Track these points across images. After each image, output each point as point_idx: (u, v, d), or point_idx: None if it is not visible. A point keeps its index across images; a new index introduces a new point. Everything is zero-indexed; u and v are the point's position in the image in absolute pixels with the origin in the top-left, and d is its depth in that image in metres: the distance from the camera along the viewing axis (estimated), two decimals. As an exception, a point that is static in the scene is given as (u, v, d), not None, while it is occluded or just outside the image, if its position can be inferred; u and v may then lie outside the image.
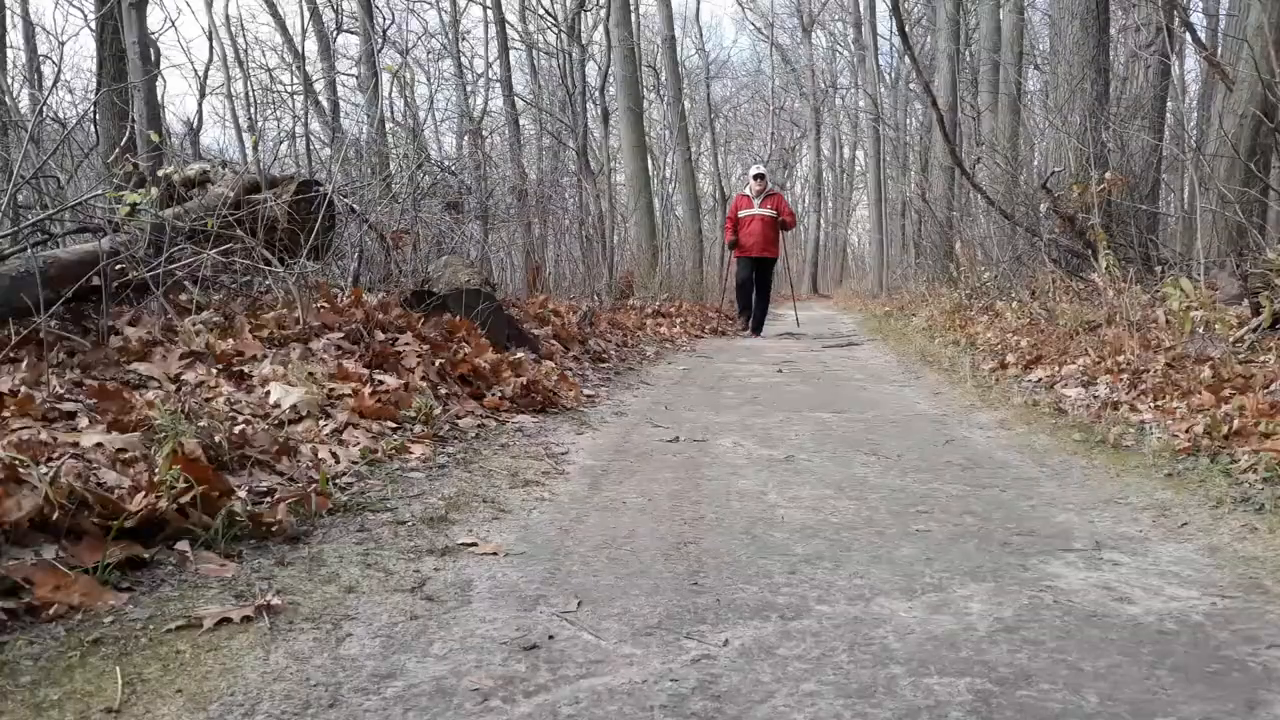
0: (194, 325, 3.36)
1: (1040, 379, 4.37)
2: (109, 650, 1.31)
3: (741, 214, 9.49)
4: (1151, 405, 3.33)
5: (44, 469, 1.75)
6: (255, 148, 5.66)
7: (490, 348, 4.24)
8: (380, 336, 3.74)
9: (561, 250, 10.39)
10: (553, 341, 5.64)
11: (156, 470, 1.88)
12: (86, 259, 3.25)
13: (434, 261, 5.47)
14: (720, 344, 8.38)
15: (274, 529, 1.86)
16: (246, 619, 1.43)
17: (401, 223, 5.76)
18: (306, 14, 14.70)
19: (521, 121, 16.00)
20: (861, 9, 26.25)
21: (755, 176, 9.71)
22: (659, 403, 4.26)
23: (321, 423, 2.76)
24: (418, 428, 3.00)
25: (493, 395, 3.67)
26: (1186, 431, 2.84)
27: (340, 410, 2.89)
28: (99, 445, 2.07)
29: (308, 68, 13.35)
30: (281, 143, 7.20)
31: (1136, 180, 6.78)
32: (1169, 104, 9.12)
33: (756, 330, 9.51)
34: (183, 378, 2.98)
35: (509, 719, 1.17)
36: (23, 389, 2.49)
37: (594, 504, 2.32)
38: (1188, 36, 6.64)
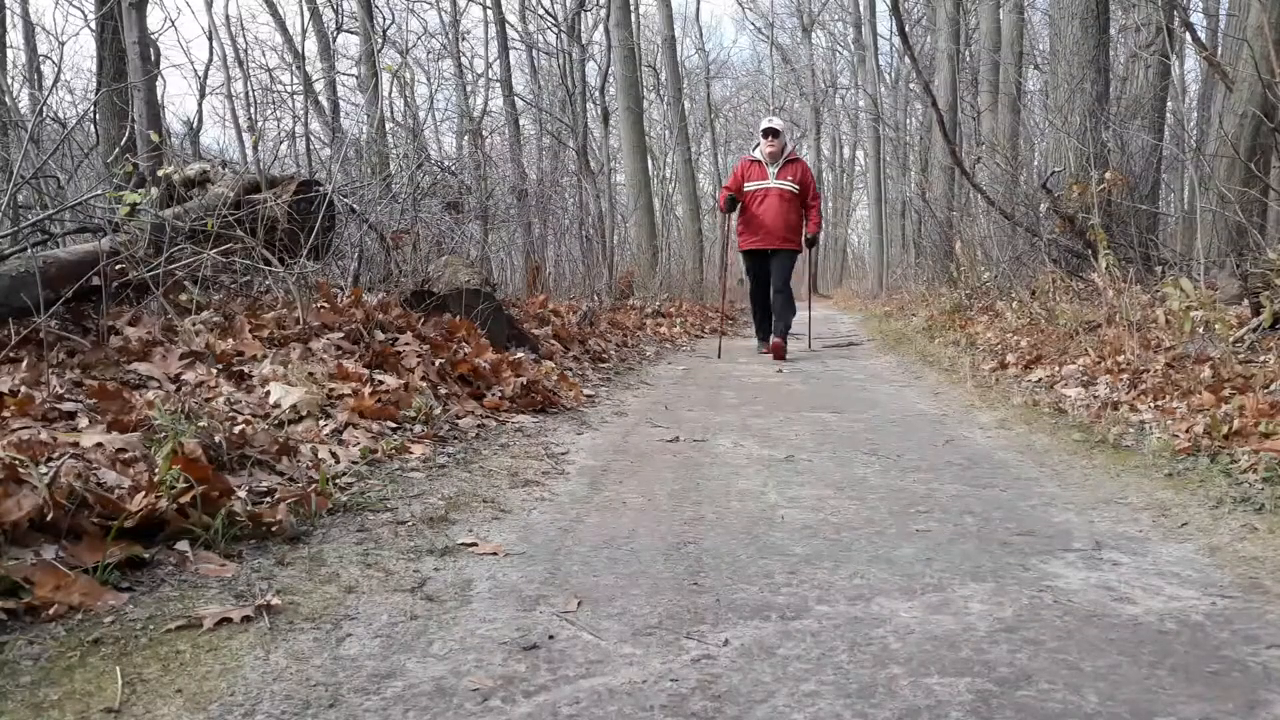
0: (194, 325, 3.36)
1: (1040, 379, 4.37)
2: (109, 650, 1.31)
3: (749, 187, 6.70)
4: (1151, 405, 3.33)
5: (44, 469, 1.75)
6: (255, 148, 5.65)
7: (490, 348, 4.24)
8: (380, 336, 3.74)
9: (561, 250, 10.39)
10: (553, 341, 5.64)
11: (156, 470, 1.88)
12: (86, 259, 3.25)
13: (434, 261, 5.47)
14: (720, 344, 8.37)
15: (274, 529, 1.86)
16: (246, 619, 1.43)
17: (401, 223, 5.76)
18: (306, 14, 14.70)
19: (521, 121, 16.01)
20: (861, 9, 26.25)
21: (767, 133, 6.74)
22: (659, 402, 4.26)
23: (321, 423, 2.76)
24: (418, 428, 3.00)
25: (493, 395, 3.67)
26: (1186, 431, 2.84)
27: (340, 410, 2.89)
28: (99, 445, 2.07)
29: (308, 68, 13.35)
30: (281, 143, 7.19)
31: (1136, 180, 6.79)
32: (1169, 104, 9.12)
33: (781, 336, 6.64)
34: (183, 378, 2.98)
35: (509, 719, 1.17)
36: (23, 389, 2.49)
37: (594, 504, 2.32)
38: (1188, 36, 6.64)
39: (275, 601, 1.50)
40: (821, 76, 31.59)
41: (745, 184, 6.79)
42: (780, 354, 6.49)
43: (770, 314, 6.89)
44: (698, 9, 38.63)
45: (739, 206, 6.92)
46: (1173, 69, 8.46)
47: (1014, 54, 13.07)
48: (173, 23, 24.75)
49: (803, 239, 6.92)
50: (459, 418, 3.29)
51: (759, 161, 6.82)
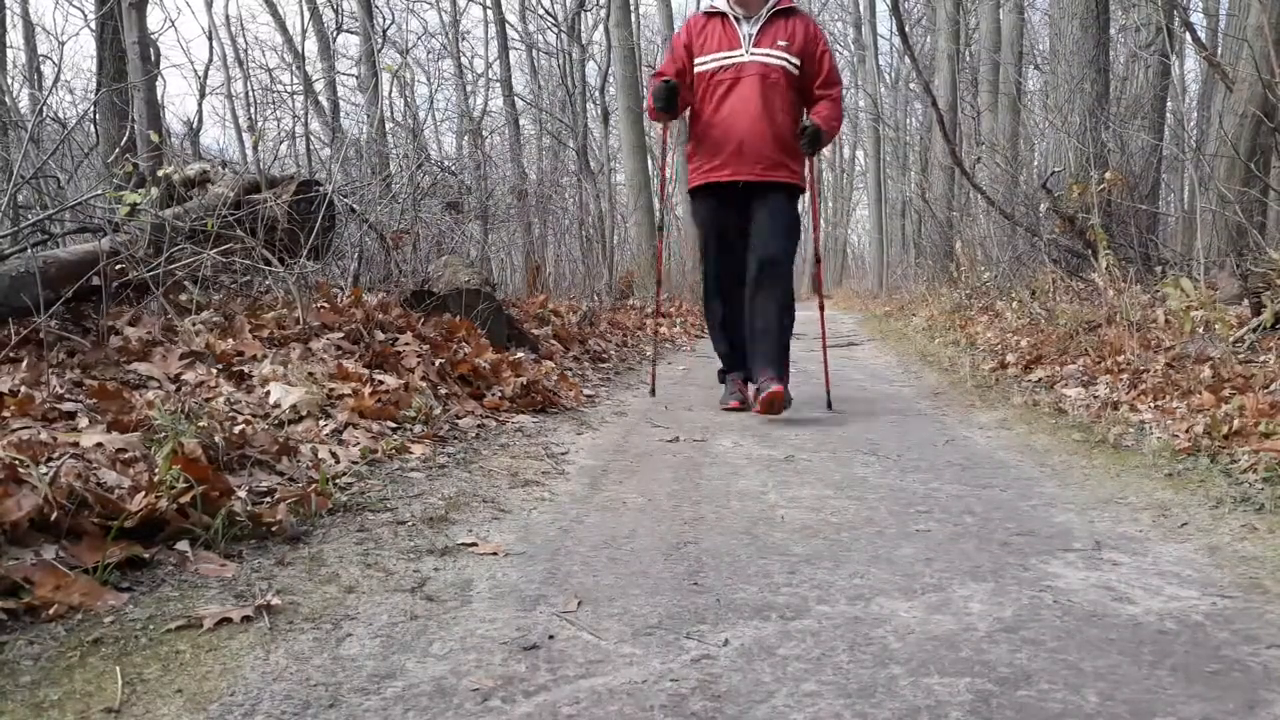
0: (194, 325, 3.36)
1: (1040, 379, 4.37)
2: (109, 650, 1.31)
3: (704, 64, 3.75)
4: (1151, 405, 3.33)
5: (44, 469, 1.75)
6: (255, 148, 5.65)
7: (490, 348, 4.24)
8: (380, 336, 3.74)
9: (561, 250, 10.39)
10: (553, 341, 5.64)
11: (156, 470, 1.88)
12: (86, 259, 3.25)
13: (434, 261, 5.47)
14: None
15: (274, 529, 1.86)
16: (246, 619, 1.43)
17: (401, 223, 5.77)
18: (306, 14, 14.71)
19: (521, 121, 16.02)
20: (861, 9, 26.27)
21: None
22: (659, 402, 4.26)
23: (321, 423, 2.76)
24: (418, 428, 3.00)
25: (493, 395, 3.67)
26: (1186, 431, 2.84)
27: (340, 410, 2.89)
28: (99, 445, 2.07)
29: (308, 68, 13.35)
30: (281, 143, 7.19)
31: (1136, 180, 6.79)
32: (1169, 104, 9.12)
33: (777, 375, 3.67)
34: (183, 378, 2.98)
35: (509, 719, 1.17)
36: (23, 389, 2.49)
37: (594, 504, 2.32)
38: (1188, 36, 6.64)
39: (275, 601, 1.50)
40: (821, 76, 31.51)
41: (699, 59, 3.74)
42: (775, 406, 3.55)
43: (743, 326, 3.84)
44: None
45: (687, 110, 3.83)
46: (1173, 69, 8.46)
47: (1014, 54, 13.09)
48: (173, 23, 24.78)
49: (801, 155, 3.81)
50: (459, 418, 3.29)
51: (722, 16, 3.76)
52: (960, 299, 8.54)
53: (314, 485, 2.15)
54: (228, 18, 28.87)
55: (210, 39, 11.64)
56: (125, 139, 4.94)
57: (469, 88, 17.95)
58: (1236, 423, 2.76)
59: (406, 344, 3.75)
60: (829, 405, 4.06)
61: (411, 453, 2.72)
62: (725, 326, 4.03)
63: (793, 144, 3.77)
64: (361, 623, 1.47)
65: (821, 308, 4.59)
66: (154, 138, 4.68)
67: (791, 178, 3.80)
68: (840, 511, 2.23)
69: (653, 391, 4.41)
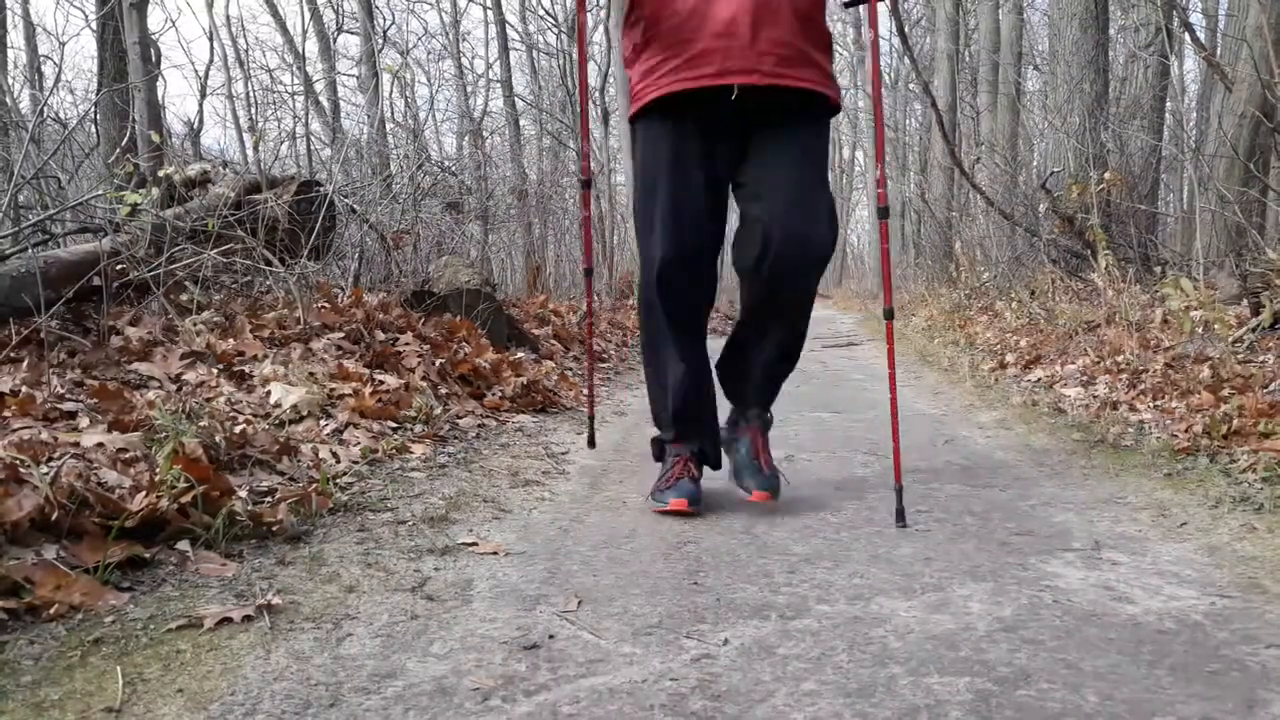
0: (194, 325, 3.36)
1: (1039, 379, 4.37)
2: (109, 650, 1.31)
3: None
4: (1151, 405, 3.34)
5: (45, 469, 1.75)
6: (256, 148, 5.65)
7: (490, 348, 4.25)
8: (380, 336, 3.74)
9: (561, 250, 10.39)
10: (553, 341, 5.65)
11: (157, 470, 1.89)
12: (87, 259, 3.25)
13: (434, 261, 5.47)
14: (720, 344, 8.35)
15: (275, 529, 1.86)
16: (247, 618, 1.43)
17: (402, 223, 5.77)
18: (307, 14, 14.71)
19: (521, 122, 16.02)
20: (861, 10, 26.21)
21: None
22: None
23: (322, 423, 2.77)
24: (418, 427, 3.00)
25: (493, 395, 3.67)
26: (1186, 431, 2.84)
27: (341, 410, 2.89)
28: (99, 445, 2.07)
29: (308, 68, 13.34)
30: (282, 143, 7.18)
31: (1136, 180, 6.79)
32: (1169, 104, 9.12)
33: (761, 439, 2.36)
34: (183, 378, 2.98)
35: (509, 718, 1.17)
36: (23, 389, 2.49)
37: (594, 503, 2.32)
38: (1187, 36, 6.64)
39: (276, 601, 1.50)
40: (821, 77, 31.47)
41: None
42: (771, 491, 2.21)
43: (703, 365, 2.45)
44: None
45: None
46: (1172, 69, 8.46)
47: (1013, 54, 13.08)
48: (173, 23, 24.72)
49: (829, 60, 2.21)
50: (459, 417, 3.29)
51: None
52: (960, 299, 8.54)
53: (314, 485, 2.15)
54: (228, 18, 28.86)
55: (211, 39, 11.64)
56: (126, 139, 4.94)
57: (469, 88, 17.95)
58: (1235, 423, 2.76)
59: (407, 344, 3.75)
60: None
61: (412, 452, 2.72)
62: (685, 390, 2.33)
63: (821, 24, 2.19)
64: (362, 622, 1.47)
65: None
66: (155, 138, 4.68)
67: (824, 84, 2.17)
68: (840, 511, 2.23)
69: (591, 442, 2.83)
